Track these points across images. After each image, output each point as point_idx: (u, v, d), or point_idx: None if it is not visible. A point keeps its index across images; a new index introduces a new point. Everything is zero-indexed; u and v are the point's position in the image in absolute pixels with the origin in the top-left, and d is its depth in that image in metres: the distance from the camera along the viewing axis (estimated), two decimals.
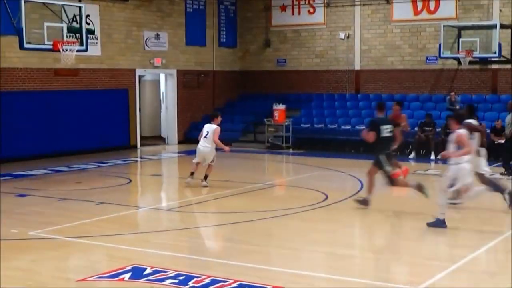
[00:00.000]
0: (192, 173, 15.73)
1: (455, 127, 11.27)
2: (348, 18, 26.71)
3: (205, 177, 15.62)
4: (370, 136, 12.77)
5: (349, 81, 26.89)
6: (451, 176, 11.24)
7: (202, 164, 15.74)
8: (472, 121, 13.04)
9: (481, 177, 12.78)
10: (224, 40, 28.49)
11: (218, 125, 15.73)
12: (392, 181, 12.82)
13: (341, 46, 26.87)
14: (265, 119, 24.98)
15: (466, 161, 11.16)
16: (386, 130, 12.94)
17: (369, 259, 9.93)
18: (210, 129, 15.61)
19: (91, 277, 8.62)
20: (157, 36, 25.42)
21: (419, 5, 25.27)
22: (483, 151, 13.11)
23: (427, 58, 25.30)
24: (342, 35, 26.52)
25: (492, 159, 15.31)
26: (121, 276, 8.58)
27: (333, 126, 24.60)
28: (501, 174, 16.71)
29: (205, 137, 15.62)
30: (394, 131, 13.46)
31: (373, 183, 13.06)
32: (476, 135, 12.96)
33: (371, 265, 9.57)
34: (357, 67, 26.72)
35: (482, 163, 12.91)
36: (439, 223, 11.12)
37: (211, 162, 15.69)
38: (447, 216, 11.19)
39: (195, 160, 15.85)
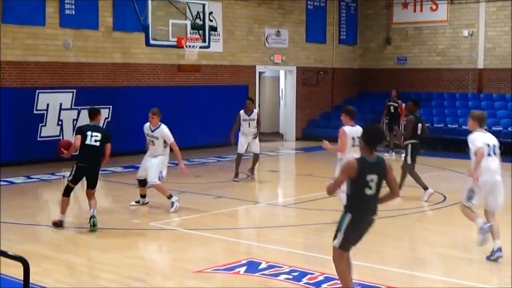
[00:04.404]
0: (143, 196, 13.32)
1: None
2: (472, 15, 26.01)
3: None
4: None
5: (471, 80, 26.20)
6: None
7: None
8: None
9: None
10: (344, 37, 28.38)
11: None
12: None
13: (464, 44, 26.22)
14: (384, 118, 24.70)
15: None
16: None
17: (487, 263, 9.68)
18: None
19: (207, 269, 8.82)
20: (278, 33, 25.63)
21: None
22: None
23: None
24: (465, 33, 25.87)
25: None
26: (237, 270, 8.74)
27: (454, 126, 24.09)
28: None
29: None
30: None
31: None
32: None
33: (490, 270, 9.32)
34: (481, 65, 25.99)
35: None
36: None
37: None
38: None
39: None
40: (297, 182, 17.47)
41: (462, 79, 26.45)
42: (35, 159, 18.42)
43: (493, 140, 9.75)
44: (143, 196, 13.18)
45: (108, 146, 11.38)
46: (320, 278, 8.35)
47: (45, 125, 18.92)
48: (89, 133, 11.16)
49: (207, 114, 22.78)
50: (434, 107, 25.97)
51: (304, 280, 8.26)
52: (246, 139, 16.54)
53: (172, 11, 18.10)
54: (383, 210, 12.68)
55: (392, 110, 22.60)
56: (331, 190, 7.20)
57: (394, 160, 21.44)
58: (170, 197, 12.67)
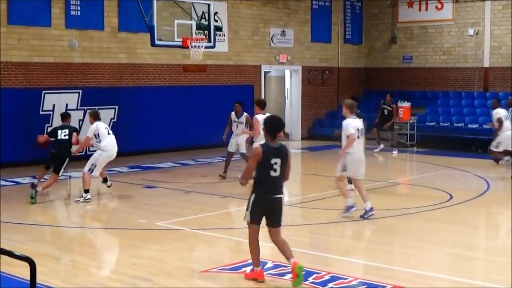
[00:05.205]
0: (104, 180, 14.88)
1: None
2: (478, 13, 25.99)
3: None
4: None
5: (477, 78, 26.17)
6: None
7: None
8: None
9: None
10: (350, 36, 28.37)
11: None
12: None
13: (470, 43, 26.19)
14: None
15: None
16: None
17: (493, 262, 9.67)
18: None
19: (213, 268, 8.82)
20: (283, 33, 25.63)
21: None
22: None
23: None
24: (471, 32, 25.83)
25: None
26: (243, 269, 8.73)
27: (460, 125, 24.08)
28: None
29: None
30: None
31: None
32: None
33: (496, 268, 9.30)
34: (486, 64, 25.96)
35: None
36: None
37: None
38: None
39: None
40: (303, 181, 17.46)
41: (468, 78, 26.42)
42: (41, 159, 18.40)
43: (361, 125, 11.98)
44: (105, 180, 14.79)
45: (75, 135, 14.12)
46: (326, 277, 8.34)
47: (51, 126, 18.89)
48: (59, 131, 14.15)
49: (212, 114, 22.75)
50: (440, 106, 25.94)
51: (310, 279, 8.24)
52: (235, 140, 16.87)
53: (177, 12, 18.14)
54: (388, 209, 12.71)
55: (386, 113, 23.00)
56: (246, 177, 8.19)
57: (397, 158, 21.46)
58: (86, 191, 13.75)
